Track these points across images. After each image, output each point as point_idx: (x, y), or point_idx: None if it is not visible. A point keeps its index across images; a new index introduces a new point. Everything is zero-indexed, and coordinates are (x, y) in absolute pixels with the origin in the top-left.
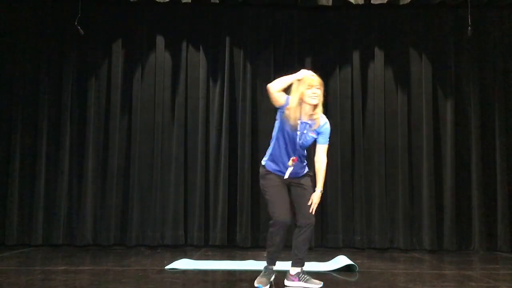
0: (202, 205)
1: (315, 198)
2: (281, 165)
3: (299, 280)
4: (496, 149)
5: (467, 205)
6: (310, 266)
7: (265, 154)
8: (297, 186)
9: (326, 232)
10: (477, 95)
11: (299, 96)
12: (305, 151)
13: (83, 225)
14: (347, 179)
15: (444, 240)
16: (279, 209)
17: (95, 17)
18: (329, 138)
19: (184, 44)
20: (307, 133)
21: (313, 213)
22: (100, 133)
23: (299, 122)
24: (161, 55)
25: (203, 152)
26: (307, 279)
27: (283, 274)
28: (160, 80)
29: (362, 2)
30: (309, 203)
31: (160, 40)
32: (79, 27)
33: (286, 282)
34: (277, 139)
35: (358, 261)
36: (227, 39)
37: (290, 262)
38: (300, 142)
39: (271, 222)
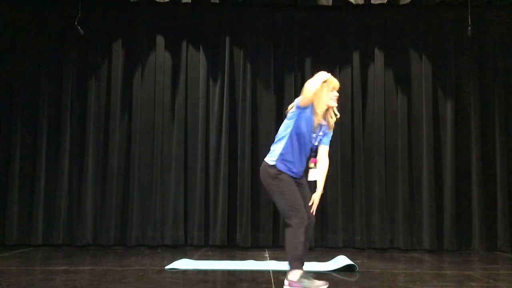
0: (202, 205)
1: (316, 199)
2: (291, 165)
3: (296, 285)
4: (496, 149)
5: (467, 205)
6: (310, 266)
7: (268, 154)
8: (299, 186)
9: (326, 232)
10: (477, 95)
11: (326, 98)
12: None
13: (83, 225)
14: (347, 179)
15: (444, 240)
16: (302, 208)
17: (95, 17)
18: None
19: (184, 44)
20: (321, 134)
21: (314, 213)
22: (100, 133)
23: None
24: (161, 55)
25: (203, 152)
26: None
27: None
28: (160, 80)
29: (362, 2)
30: (310, 203)
31: (160, 40)
32: (79, 27)
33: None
34: (290, 139)
35: (358, 261)
36: (227, 39)
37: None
38: (316, 143)
39: (294, 221)
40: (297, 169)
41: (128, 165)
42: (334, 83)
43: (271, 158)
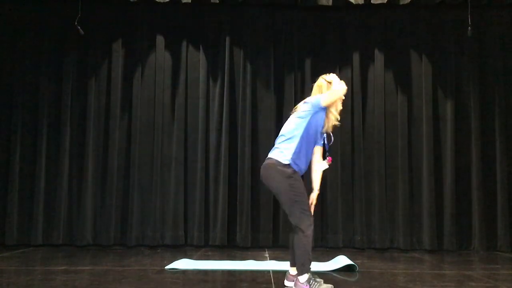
0: (202, 205)
1: (314, 199)
2: (300, 164)
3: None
4: (496, 149)
5: (467, 205)
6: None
7: (278, 151)
8: None
9: (326, 232)
10: (477, 95)
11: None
12: None
13: (83, 225)
14: (347, 179)
15: (444, 240)
16: (311, 211)
17: (95, 17)
18: None
19: (184, 44)
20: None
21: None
22: (100, 133)
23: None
24: (161, 55)
25: (203, 152)
26: (319, 285)
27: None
28: (160, 80)
29: (362, 2)
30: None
31: (160, 40)
32: (79, 27)
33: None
34: (301, 138)
35: (358, 261)
36: (227, 39)
37: (287, 262)
38: (321, 143)
39: (305, 224)
40: (303, 168)
41: (128, 165)
42: (345, 89)
43: (284, 157)
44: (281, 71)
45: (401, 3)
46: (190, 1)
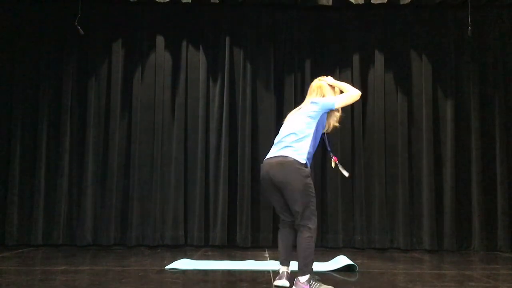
0: (202, 205)
1: None
2: (310, 164)
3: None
4: (496, 149)
5: (467, 205)
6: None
7: (291, 149)
8: None
9: (326, 232)
10: (477, 95)
11: None
12: None
13: (83, 225)
14: (347, 179)
15: (444, 240)
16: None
17: (95, 17)
18: None
19: (184, 44)
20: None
21: None
22: (100, 133)
23: None
24: (161, 55)
25: (203, 152)
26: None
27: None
28: (160, 80)
29: (362, 2)
30: None
31: (160, 40)
32: (79, 27)
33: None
34: (313, 138)
35: (358, 261)
36: (227, 39)
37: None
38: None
39: (313, 224)
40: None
41: (128, 165)
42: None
43: (301, 156)
44: (281, 71)
45: (401, 3)
46: (190, 1)
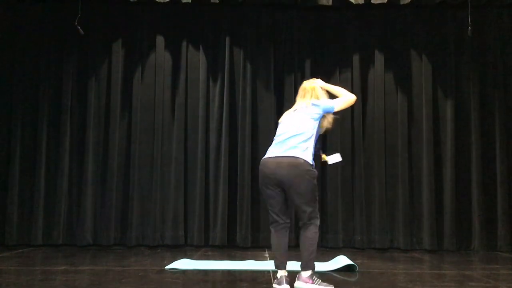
0: (202, 205)
1: None
2: None
3: (313, 283)
4: (496, 149)
5: (467, 205)
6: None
7: (300, 150)
8: None
9: (326, 232)
10: (477, 95)
11: None
12: None
13: (83, 225)
14: (347, 179)
15: (444, 240)
16: None
17: (95, 17)
18: None
19: (184, 44)
20: None
21: None
22: (100, 133)
23: None
24: (161, 55)
25: (203, 152)
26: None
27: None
28: (160, 80)
29: (362, 2)
30: None
31: (160, 40)
32: (79, 27)
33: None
34: (315, 139)
35: (358, 261)
36: (227, 39)
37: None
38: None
39: (317, 223)
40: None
41: (128, 165)
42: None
43: (309, 158)
44: (281, 71)
45: (401, 3)
46: (190, 1)
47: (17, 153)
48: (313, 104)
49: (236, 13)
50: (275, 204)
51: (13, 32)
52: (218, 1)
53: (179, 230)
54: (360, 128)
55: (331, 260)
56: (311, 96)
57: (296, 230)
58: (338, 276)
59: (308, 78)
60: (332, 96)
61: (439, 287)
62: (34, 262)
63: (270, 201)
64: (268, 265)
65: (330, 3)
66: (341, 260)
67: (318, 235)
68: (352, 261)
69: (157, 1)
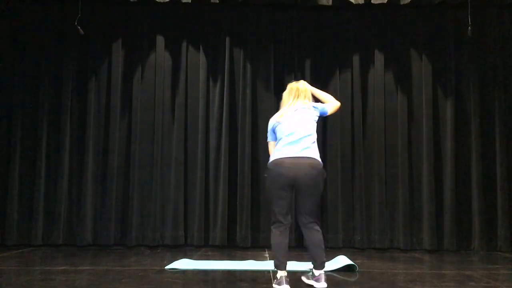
0: (202, 205)
1: None
2: None
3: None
4: (496, 149)
5: (467, 205)
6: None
7: (314, 152)
8: None
9: (326, 232)
10: (477, 95)
11: None
12: None
13: (83, 225)
14: (347, 179)
15: (444, 240)
16: None
17: (95, 17)
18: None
19: (184, 44)
20: None
21: None
22: (100, 133)
23: None
24: (161, 55)
25: (203, 152)
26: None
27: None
28: (160, 80)
29: (362, 2)
30: None
31: (160, 40)
32: (79, 27)
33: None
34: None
35: (358, 261)
36: (227, 39)
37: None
38: None
39: (318, 221)
40: None
41: (128, 165)
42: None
43: (320, 158)
44: (281, 71)
45: (401, 3)
46: (190, 1)
47: (17, 153)
48: (313, 107)
49: (236, 13)
50: (285, 205)
51: (13, 32)
52: (218, 1)
53: (179, 230)
54: (360, 128)
55: (331, 260)
56: (305, 98)
57: (296, 230)
58: (338, 276)
59: (308, 78)
60: (316, 100)
61: (439, 287)
62: (34, 262)
63: (280, 202)
64: (268, 265)
65: (330, 3)
66: (341, 260)
67: None
68: (352, 261)
69: (157, 1)
